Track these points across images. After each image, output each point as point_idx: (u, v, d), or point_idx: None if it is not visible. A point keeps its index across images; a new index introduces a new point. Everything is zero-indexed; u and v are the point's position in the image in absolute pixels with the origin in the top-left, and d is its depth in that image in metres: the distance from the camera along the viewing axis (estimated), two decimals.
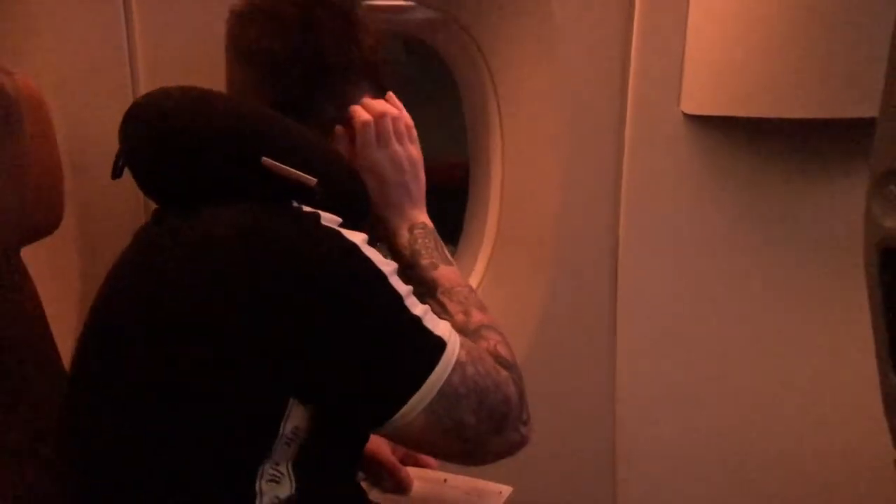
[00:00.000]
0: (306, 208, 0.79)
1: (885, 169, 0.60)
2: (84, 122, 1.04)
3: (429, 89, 1.49)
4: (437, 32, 1.27)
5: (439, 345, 0.77)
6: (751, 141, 1.22)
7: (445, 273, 0.92)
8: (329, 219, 0.79)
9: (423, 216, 0.96)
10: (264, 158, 0.77)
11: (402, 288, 0.78)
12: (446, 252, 0.95)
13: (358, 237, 0.78)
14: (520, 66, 1.23)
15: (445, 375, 0.76)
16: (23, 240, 0.92)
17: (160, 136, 0.80)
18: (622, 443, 1.33)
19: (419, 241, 0.93)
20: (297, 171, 0.78)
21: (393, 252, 0.95)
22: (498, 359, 0.85)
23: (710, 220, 1.25)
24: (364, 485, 1.04)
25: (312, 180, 0.78)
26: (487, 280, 1.35)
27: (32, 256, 1.10)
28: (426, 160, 0.98)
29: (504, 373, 0.82)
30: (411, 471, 1.03)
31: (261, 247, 0.73)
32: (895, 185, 0.60)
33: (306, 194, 0.79)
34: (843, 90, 1.09)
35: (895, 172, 0.59)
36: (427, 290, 0.91)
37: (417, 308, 0.78)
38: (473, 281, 1.35)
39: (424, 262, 0.92)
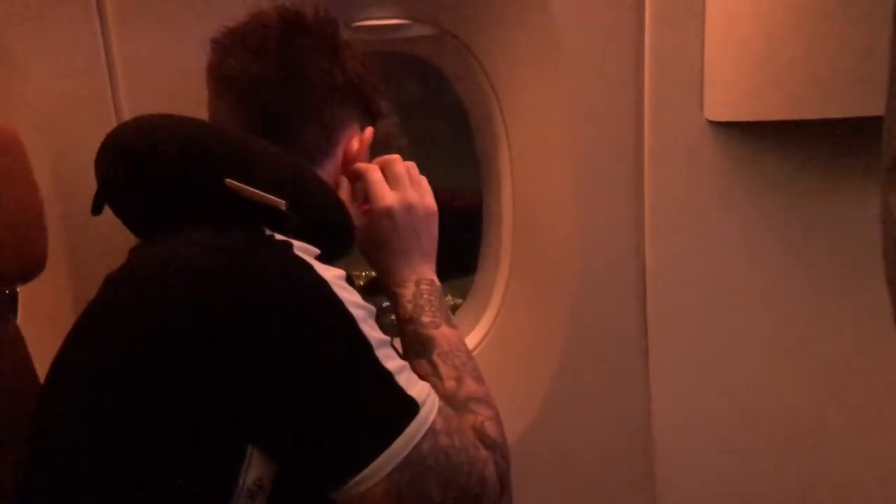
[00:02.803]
0: (279, 236, 0.77)
1: None
2: (71, 160, 1.06)
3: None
4: (435, 49, 1.26)
5: (411, 406, 0.72)
6: (782, 147, 1.16)
7: (446, 334, 0.89)
8: (303, 248, 0.76)
9: (431, 272, 0.95)
10: (228, 180, 0.76)
11: (375, 336, 0.73)
12: (450, 314, 0.93)
13: (331, 273, 0.74)
14: (524, 81, 1.20)
15: (415, 441, 0.71)
16: (1, 283, 0.93)
17: (128, 166, 0.81)
18: (662, 474, 1.27)
19: (424, 296, 0.91)
20: (264, 193, 0.76)
21: (395, 304, 0.94)
22: (482, 436, 0.80)
23: (741, 234, 1.19)
24: None
25: (281, 202, 0.76)
26: (506, 307, 1.31)
27: (27, 295, 1.12)
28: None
29: (484, 452, 0.78)
30: None
31: (217, 277, 0.71)
32: None
33: (279, 220, 0.77)
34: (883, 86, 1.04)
35: None
36: (423, 348, 0.88)
37: (391, 362, 0.73)
38: (492, 308, 1.32)
39: (426, 319, 0.89)
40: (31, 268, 0.95)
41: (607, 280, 1.22)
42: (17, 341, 0.95)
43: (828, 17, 1.02)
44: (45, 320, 1.10)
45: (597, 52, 1.15)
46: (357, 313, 0.73)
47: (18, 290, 1.13)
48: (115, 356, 0.72)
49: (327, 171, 0.93)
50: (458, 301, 1.50)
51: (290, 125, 0.90)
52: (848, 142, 1.15)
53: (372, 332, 0.74)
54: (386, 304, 1.12)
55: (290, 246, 0.75)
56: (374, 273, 1.51)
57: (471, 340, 1.31)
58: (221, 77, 0.91)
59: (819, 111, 1.06)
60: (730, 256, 1.20)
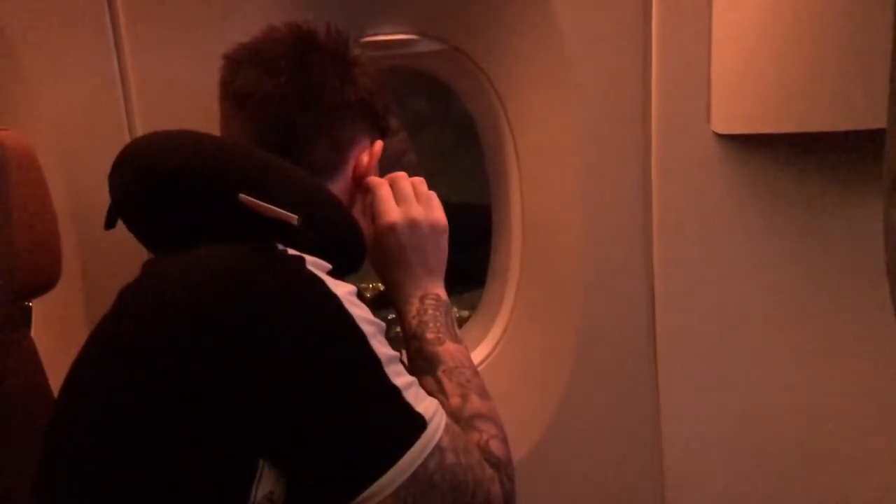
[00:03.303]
0: (291, 251, 0.78)
1: None
2: (84, 175, 1.08)
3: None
4: (443, 64, 1.27)
5: (419, 422, 0.73)
6: (789, 159, 1.17)
7: (451, 350, 0.90)
8: (315, 263, 0.78)
9: (438, 287, 0.95)
10: (241, 195, 0.77)
11: (385, 352, 0.74)
12: (456, 329, 0.93)
13: (343, 289, 0.75)
14: (531, 94, 1.22)
15: (421, 459, 0.72)
16: (15, 297, 0.94)
17: (141, 181, 0.82)
18: (672, 489, 1.28)
19: (429, 312, 0.92)
20: (277, 208, 0.77)
21: (400, 320, 0.95)
22: (487, 455, 0.81)
23: (749, 246, 1.20)
24: None
25: (293, 217, 0.77)
26: (515, 319, 1.32)
27: (41, 309, 1.14)
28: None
29: (489, 471, 0.78)
30: None
31: (229, 291, 0.72)
32: None
33: (292, 235, 0.78)
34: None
35: None
36: (428, 365, 0.89)
37: (400, 378, 0.74)
38: (501, 321, 1.33)
39: (430, 335, 0.90)
40: (46, 281, 0.97)
41: (616, 292, 1.23)
42: (32, 353, 0.96)
43: (833, 31, 1.03)
44: (58, 333, 1.11)
45: (604, 66, 1.16)
46: (367, 329, 0.74)
47: (33, 303, 1.15)
48: (127, 370, 0.73)
49: (338, 186, 0.95)
50: (465, 314, 1.51)
51: (301, 141, 0.92)
52: (854, 153, 1.16)
53: (381, 348, 0.75)
54: (391, 316, 1.13)
55: (303, 261, 0.77)
56: (380, 285, 1.52)
57: (479, 353, 1.32)
58: (234, 93, 0.93)
59: (825, 124, 1.07)
60: (738, 268, 1.21)
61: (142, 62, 1.07)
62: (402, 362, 0.78)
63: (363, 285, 1.60)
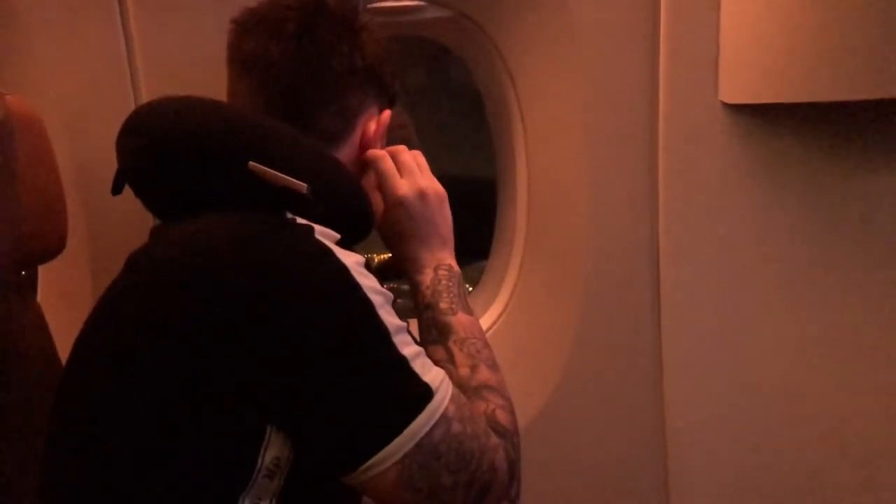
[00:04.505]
0: (300, 220, 0.78)
1: None
2: (89, 141, 1.08)
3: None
4: (450, 32, 1.27)
5: (425, 392, 0.74)
6: (798, 129, 1.17)
7: (462, 321, 0.91)
8: (324, 233, 0.78)
9: (450, 257, 0.96)
10: (251, 163, 0.77)
11: (393, 322, 0.75)
12: (467, 300, 0.94)
13: (351, 259, 0.76)
14: (539, 63, 1.21)
15: (427, 428, 0.72)
16: (21, 263, 0.95)
17: (149, 147, 0.82)
18: (674, 461, 1.29)
19: (442, 282, 0.93)
20: (286, 176, 0.77)
21: (413, 291, 0.95)
22: (493, 424, 0.82)
23: (756, 216, 1.20)
24: None
25: (302, 185, 0.77)
26: (518, 292, 1.33)
27: (47, 275, 1.14)
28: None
29: (495, 439, 0.79)
30: None
31: (237, 260, 0.72)
32: None
33: (301, 204, 0.79)
34: None
35: None
36: (439, 335, 0.90)
37: (407, 347, 0.75)
38: (504, 293, 1.34)
39: (443, 305, 0.91)
40: (52, 247, 0.98)
41: (621, 265, 1.24)
42: (39, 320, 0.97)
43: (843, 1, 1.02)
44: (65, 299, 1.12)
45: (612, 35, 1.16)
46: (375, 299, 0.74)
47: (39, 269, 1.15)
48: (134, 336, 0.74)
49: (345, 153, 0.95)
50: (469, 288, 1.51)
51: (309, 108, 0.91)
52: (863, 123, 1.16)
53: (389, 317, 0.75)
54: (387, 284, 1.14)
55: (312, 230, 0.77)
56: (381, 256, 1.52)
57: (482, 324, 1.32)
58: (242, 59, 0.92)
59: (834, 93, 1.07)
60: (745, 239, 1.21)
61: (147, 28, 1.07)
62: (408, 332, 0.79)
63: (367, 255, 1.60)
